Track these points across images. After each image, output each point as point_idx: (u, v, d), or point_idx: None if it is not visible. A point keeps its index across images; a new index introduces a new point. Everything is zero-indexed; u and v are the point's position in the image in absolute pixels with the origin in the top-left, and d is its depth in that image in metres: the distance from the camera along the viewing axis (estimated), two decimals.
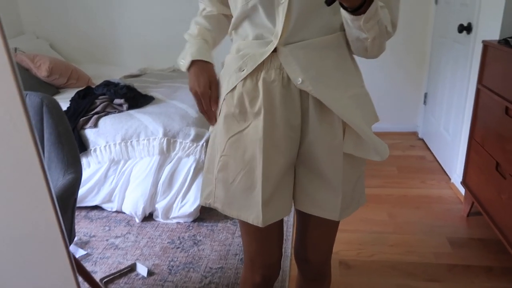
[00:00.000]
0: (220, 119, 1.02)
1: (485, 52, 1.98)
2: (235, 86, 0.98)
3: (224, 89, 1.02)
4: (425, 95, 3.24)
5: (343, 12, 0.84)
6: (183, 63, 1.04)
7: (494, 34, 2.02)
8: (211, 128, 1.10)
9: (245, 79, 0.96)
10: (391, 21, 0.91)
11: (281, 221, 1.12)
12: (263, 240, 1.12)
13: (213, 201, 1.05)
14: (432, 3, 3.08)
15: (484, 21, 2.17)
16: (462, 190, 2.34)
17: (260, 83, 0.95)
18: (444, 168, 2.78)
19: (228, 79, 1.00)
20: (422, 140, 3.28)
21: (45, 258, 0.62)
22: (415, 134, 3.40)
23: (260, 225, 0.98)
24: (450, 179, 2.62)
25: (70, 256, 0.62)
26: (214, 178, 1.04)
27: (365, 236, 2.09)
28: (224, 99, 1.01)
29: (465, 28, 2.38)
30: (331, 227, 1.12)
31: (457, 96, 2.56)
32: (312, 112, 0.96)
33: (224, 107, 1.01)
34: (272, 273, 1.18)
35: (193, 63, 1.02)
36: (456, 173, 2.51)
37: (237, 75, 0.97)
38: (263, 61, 0.94)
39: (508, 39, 1.78)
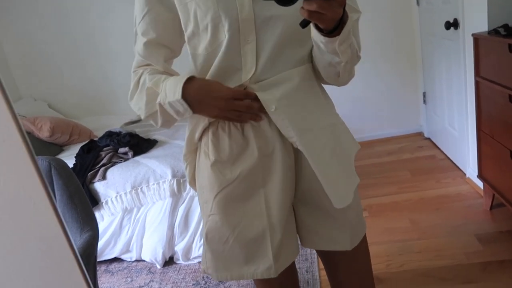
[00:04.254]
0: (204, 172, 0.96)
1: (477, 45, 1.98)
2: (218, 136, 0.93)
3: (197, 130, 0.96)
4: (424, 95, 3.24)
5: (316, 36, 0.81)
6: (174, 95, 0.86)
7: (482, 26, 2.03)
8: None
9: (228, 127, 0.93)
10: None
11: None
12: (280, 283, 1.05)
13: (206, 268, 0.99)
14: (414, 5, 3.13)
15: (470, 14, 2.19)
16: (479, 183, 2.30)
17: (247, 130, 0.92)
18: (456, 164, 2.74)
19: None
20: (429, 139, 3.26)
21: None
22: (420, 134, 3.38)
23: (272, 276, 0.93)
24: (465, 174, 2.59)
25: None
26: (204, 241, 0.97)
27: (391, 246, 2.04)
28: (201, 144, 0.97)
29: (452, 24, 2.40)
30: (357, 263, 1.06)
31: (455, 91, 2.56)
32: None
33: (207, 157, 0.94)
34: None
35: (187, 86, 0.86)
36: (470, 167, 2.48)
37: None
38: None
39: (498, 28, 1.79)
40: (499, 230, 2.00)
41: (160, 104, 0.89)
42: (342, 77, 0.92)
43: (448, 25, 2.42)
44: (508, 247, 1.86)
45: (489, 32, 1.88)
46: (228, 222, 0.93)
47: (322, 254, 1.08)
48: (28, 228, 0.54)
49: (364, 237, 1.05)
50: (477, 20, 2.09)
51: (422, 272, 1.82)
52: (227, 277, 0.97)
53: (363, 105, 3.38)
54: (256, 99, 0.88)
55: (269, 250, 0.93)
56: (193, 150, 1.01)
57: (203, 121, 0.94)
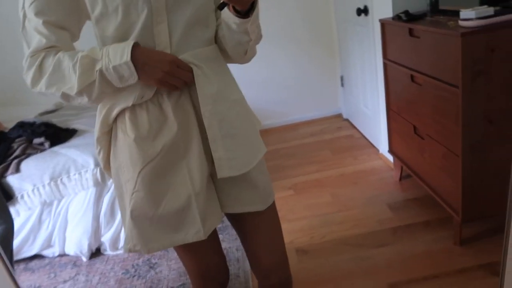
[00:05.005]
0: (123, 151, 0.96)
1: (384, 29, 2.16)
2: (136, 113, 0.94)
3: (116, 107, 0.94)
4: (341, 78, 3.45)
5: (230, 18, 0.90)
6: (121, 58, 0.84)
7: (387, 12, 2.21)
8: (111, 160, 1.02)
9: (146, 103, 0.93)
10: None
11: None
12: (203, 250, 1.11)
13: (133, 246, 0.99)
14: None
15: (378, 1, 2.37)
16: (390, 158, 2.53)
17: (165, 105, 0.93)
18: (371, 142, 2.97)
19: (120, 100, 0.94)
20: (347, 120, 3.48)
21: None
22: (340, 116, 3.60)
23: (202, 238, 0.98)
24: (378, 150, 2.82)
25: None
26: (127, 219, 0.98)
27: (314, 220, 2.17)
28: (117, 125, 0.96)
29: (363, 11, 2.58)
30: (270, 222, 1.13)
31: (368, 74, 2.76)
32: None
33: (126, 134, 0.94)
34: (223, 277, 1.20)
35: (134, 50, 0.86)
36: (382, 144, 2.70)
37: (133, 98, 0.92)
38: None
39: (400, 14, 1.96)
40: (407, 198, 2.22)
41: (101, 71, 0.85)
42: (248, 55, 1.03)
43: (359, 12, 2.59)
44: (414, 213, 2.08)
45: (393, 18, 2.05)
46: (154, 196, 0.94)
47: (237, 222, 1.13)
48: None
49: (274, 204, 1.13)
50: (384, 7, 2.27)
51: (341, 241, 1.97)
52: (158, 248, 0.98)
53: (287, 90, 3.51)
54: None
55: (196, 216, 0.96)
56: (106, 132, 1.00)
57: (124, 101, 0.92)
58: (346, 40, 3.13)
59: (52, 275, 2.07)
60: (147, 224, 0.97)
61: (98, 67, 0.85)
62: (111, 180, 2.10)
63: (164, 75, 0.88)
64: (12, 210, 2.09)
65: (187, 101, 0.95)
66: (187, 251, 1.10)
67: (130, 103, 0.92)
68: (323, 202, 2.34)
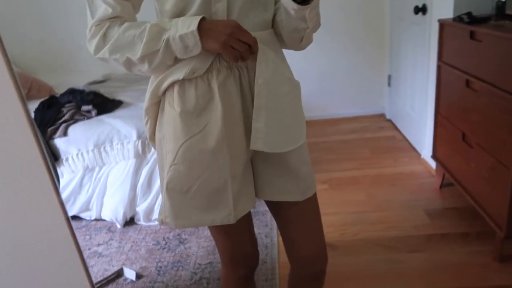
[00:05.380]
0: (168, 123, 0.97)
1: (442, 30, 2.07)
2: (185, 87, 0.94)
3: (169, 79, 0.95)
4: (389, 77, 3.35)
5: (289, 3, 0.89)
6: (188, 28, 0.85)
7: (448, 12, 2.11)
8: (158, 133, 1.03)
9: (195, 79, 0.94)
10: None
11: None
12: (238, 234, 1.12)
13: (164, 217, 1.01)
14: None
15: (438, 1, 2.27)
16: (432, 164, 2.44)
17: (213, 83, 0.93)
18: (413, 145, 2.88)
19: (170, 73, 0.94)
20: (390, 121, 3.39)
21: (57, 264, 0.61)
22: (383, 116, 3.51)
23: (231, 222, 0.98)
24: (420, 155, 2.73)
25: (85, 263, 0.61)
26: (163, 191, 0.99)
27: (347, 217, 2.14)
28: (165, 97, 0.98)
29: (421, 9, 2.48)
30: (309, 213, 1.11)
31: (419, 76, 2.66)
32: None
33: (172, 107, 0.95)
34: (255, 262, 1.20)
35: (201, 22, 0.87)
36: (425, 149, 2.62)
37: (184, 74, 0.92)
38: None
39: (462, 16, 1.87)
40: (446, 207, 2.14)
41: (167, 40, 0.87)
42: (304, 42, 1.01)
43: (416, 10, 2.49)
44: (452, 222, 2.01)
45: (454, 19, 1.96)
46: (191, 171, 0.95)
47: (276, 209, 1.13)
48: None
49: (315, 195, 1.11)
50: (444, 7, 2.17)
51: (373, 241, 1.94)
52: (187, 224, 0.99)
53: (330, 84, 3.45)
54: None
55: (229, 200, 0.96)
56: (155, 103, 1.01)
57: (175, 74, 0.93)
58: (398, 38, 3.03)
59: (88, 237, 2.16)
60: (180, 199, 0.98)
61: (165, 36, 0.87)
62: (150, 153, 2.15)
63: (227, 37, 0.86)
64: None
65: (234, 83, 0.95)
66: (221, 232, 1.11)
67: (180, 77, 0.92)
68: (357, 200, 2.30)
